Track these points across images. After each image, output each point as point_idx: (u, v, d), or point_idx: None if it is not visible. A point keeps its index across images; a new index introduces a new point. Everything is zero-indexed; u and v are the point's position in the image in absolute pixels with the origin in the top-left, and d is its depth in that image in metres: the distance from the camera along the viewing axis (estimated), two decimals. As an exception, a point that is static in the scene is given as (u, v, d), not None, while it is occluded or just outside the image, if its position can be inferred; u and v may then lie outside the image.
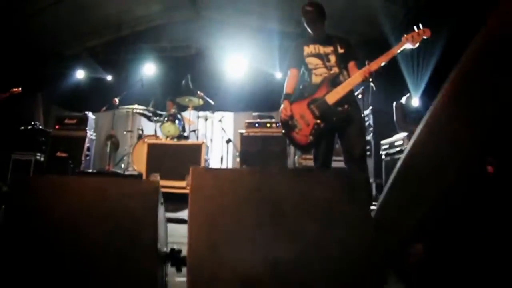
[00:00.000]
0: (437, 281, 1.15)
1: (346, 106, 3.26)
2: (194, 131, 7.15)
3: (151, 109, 7.12)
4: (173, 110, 6.76)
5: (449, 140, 1.20)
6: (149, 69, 9.13)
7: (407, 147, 1.40)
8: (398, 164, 1.40)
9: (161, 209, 1.47)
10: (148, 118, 7.31)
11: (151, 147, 5.95)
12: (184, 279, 1.22)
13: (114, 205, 1.36)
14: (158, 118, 6.93)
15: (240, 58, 9.20)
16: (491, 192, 1.09)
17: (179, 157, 5.79)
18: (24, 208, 1.35)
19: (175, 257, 1.41)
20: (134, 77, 8.76)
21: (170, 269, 1.49)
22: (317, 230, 1.25)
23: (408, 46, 3.20)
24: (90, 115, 7.59)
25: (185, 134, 6.82)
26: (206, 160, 6.25)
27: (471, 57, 1.19)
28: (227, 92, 8.86)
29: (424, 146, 1.30)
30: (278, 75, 8.96)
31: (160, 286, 1.34)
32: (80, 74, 9.69)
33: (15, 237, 1.29)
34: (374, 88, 4.66)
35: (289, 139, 3.62)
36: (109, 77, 9.69)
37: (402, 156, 1.43)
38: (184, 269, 1.32)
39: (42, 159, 7.76)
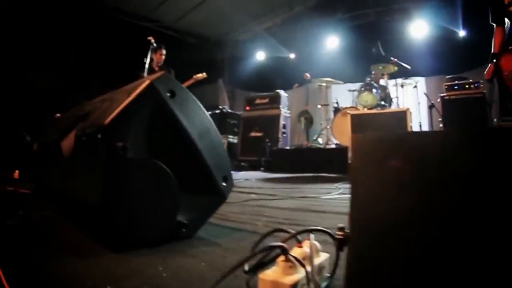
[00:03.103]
0: None
1: None
2: (391, 99, 6.93)
3: None
4: (382, 79, 6.68)
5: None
6: (332, 42, 9.08)
7: None
8: None
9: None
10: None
11: (354, 117, 5.92)
12: None
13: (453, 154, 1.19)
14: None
15: (419, 17, 8.50)
16: None
17: (383, 125, 5.67)
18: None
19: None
20: (318, 51, 8.83)
21: None
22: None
23: None
24: (282, 92, 7.83)
25: (382, 102, 6.65)
26: (410, 127, 6.01)
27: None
28: (413, 56, 8.24)
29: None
30: (462, 33, 8.06)
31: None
32: (260, 55, 10.09)
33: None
34: None
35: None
36: (292, 55, 9.83)
37: None
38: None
39: (235, 140, 8.33)
